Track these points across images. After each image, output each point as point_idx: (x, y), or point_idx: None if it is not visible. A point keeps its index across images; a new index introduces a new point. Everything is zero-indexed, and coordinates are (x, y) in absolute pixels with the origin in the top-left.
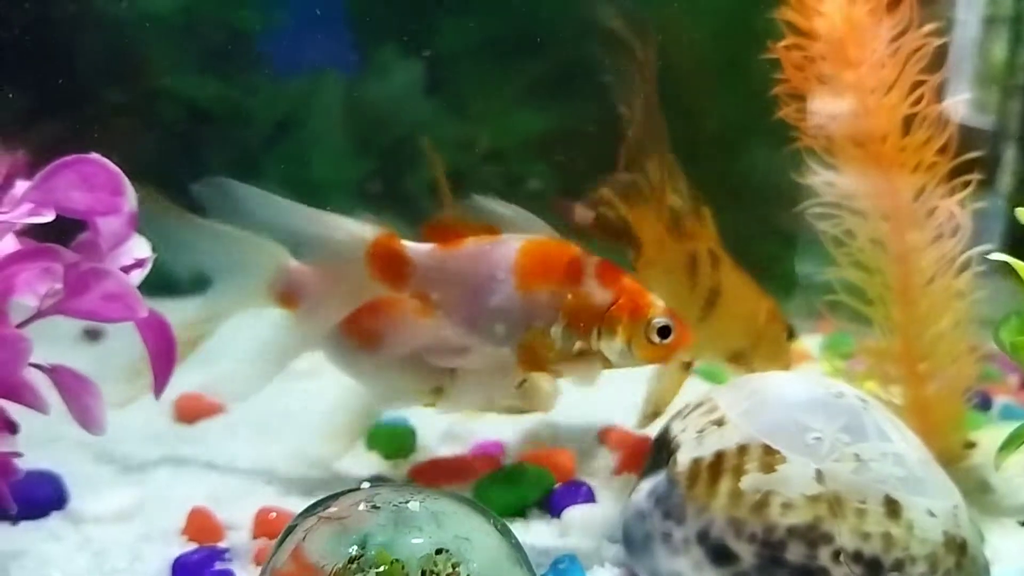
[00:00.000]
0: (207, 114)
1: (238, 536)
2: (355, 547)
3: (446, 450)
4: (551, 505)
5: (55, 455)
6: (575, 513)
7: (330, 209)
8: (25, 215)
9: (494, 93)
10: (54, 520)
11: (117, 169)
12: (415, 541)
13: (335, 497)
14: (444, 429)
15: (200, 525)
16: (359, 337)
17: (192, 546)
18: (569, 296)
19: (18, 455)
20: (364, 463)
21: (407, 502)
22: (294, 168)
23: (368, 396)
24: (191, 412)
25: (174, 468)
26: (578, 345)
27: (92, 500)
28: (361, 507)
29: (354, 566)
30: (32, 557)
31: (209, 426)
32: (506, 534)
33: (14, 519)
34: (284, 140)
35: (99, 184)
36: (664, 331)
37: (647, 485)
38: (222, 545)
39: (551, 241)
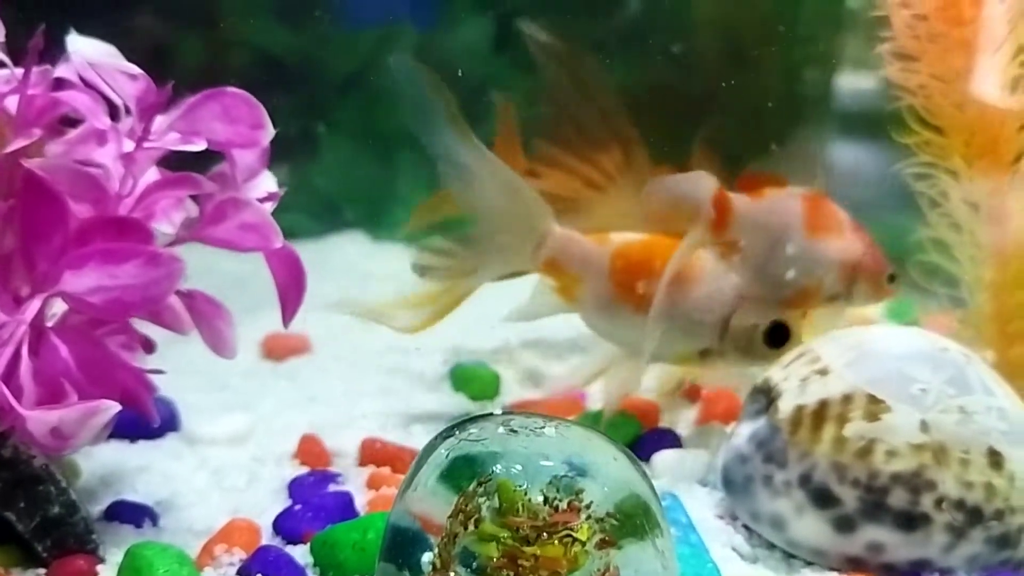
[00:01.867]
0: (278, 63)
1: (344, 463)
2: (482, 470)
3: (528, 394)
4: (639, 450)
5: (161, 383)
6: (664, 457)
7: None
8: (175, 143)
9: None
10: (170, 441)
11: (258, 103)
12: (545, 464)
13: (472, 421)
14: (524, 373)
15: (310, 450)
16: (632, 299)
17: (304, 469)
18: (842, 246)
19: (160, 372)
20: (452, 403)
21: (542, 427)
22: (363, 120)
23: (632, 359)
24: (279, 350)
25: (275, 400)
26: (836, 289)
27: (204, 424)
28: (499, 430)
29: (481, 489)
30: (155, 473)
31: (298, 363)
32: (635, 464)
33: (132, 438)
34: (354, 92)
35: (240, 117)
36: (893, 277)
37: (747, 430)
38: (333, 470)
39: (821, 195)
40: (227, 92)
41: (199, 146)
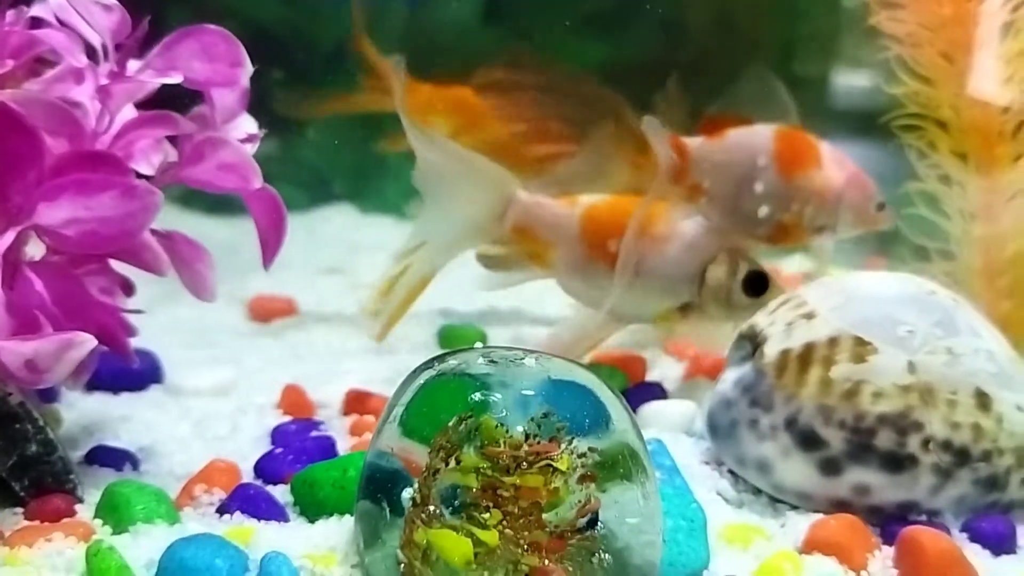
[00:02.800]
0: (267, 34)
1: (328, 412)
2: (463, 408)
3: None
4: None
5: (145, 338)
6: (650, 407)
7: None
8: (153, 77)
9: (553, 22)
10: (153, 392)
11: (237, 41)
12: (526, 393)
13: (452, 353)
14: (512, 335)
15: (293, 400)
16: (605, 259)
17: (287, 419)
18: (819, 177)
19: (140, 312)
20: None
21: (522, 359)
22: (349, 91)
23: (601, 316)
24: (265, 312)
25: (260, 357)
26: (820, 221)
27: (187, 377)
28: (479, 360)
29: (462, 427)
30: (138, 422)
31: (285, 324)
32: (618, 397)
33: (115, 389)
34: (343, 64)
35: (219, 55)
36: (882, 205)
37: (732, 375)
38: (316, 419)
39: (795, 129)
40: (205, 29)
41: (176, 79)
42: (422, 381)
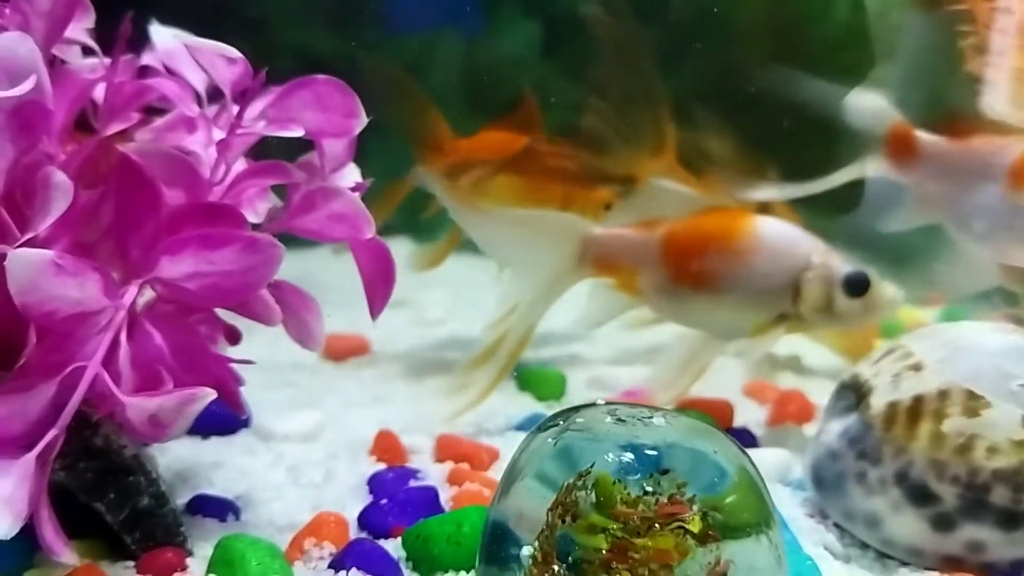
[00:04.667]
0: (325, 68)
1: (420, 459)
2: (587, 461)
3: (595, 395)
4: None
5: None
6: None
7: None
8: (269, 129)
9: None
10: (243, 437)
11: (352, 92)
12: (651, 454)
13: (576, 410)
14: (591, 375)
15: (386, 446)
16: (690, 280)
17: (381, 465)
18: None
19: (249, 362)
20: (520, 403)
21: (650, 417)
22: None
23: (703, 336)
24: (339, 350)
25: (340, 398)
26: None
27: (275, 421)
28: (607, 420)
29: (581, 482)
30: (231, 468)
31: (359, 363)
32: (745, 455)
33: (205, 434)
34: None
35: (333, 105)
36: None
37: (836, 427)
38: (410, 466)
39: None
40: (320, 80)
41: (296, 132)
42: (550, 440)
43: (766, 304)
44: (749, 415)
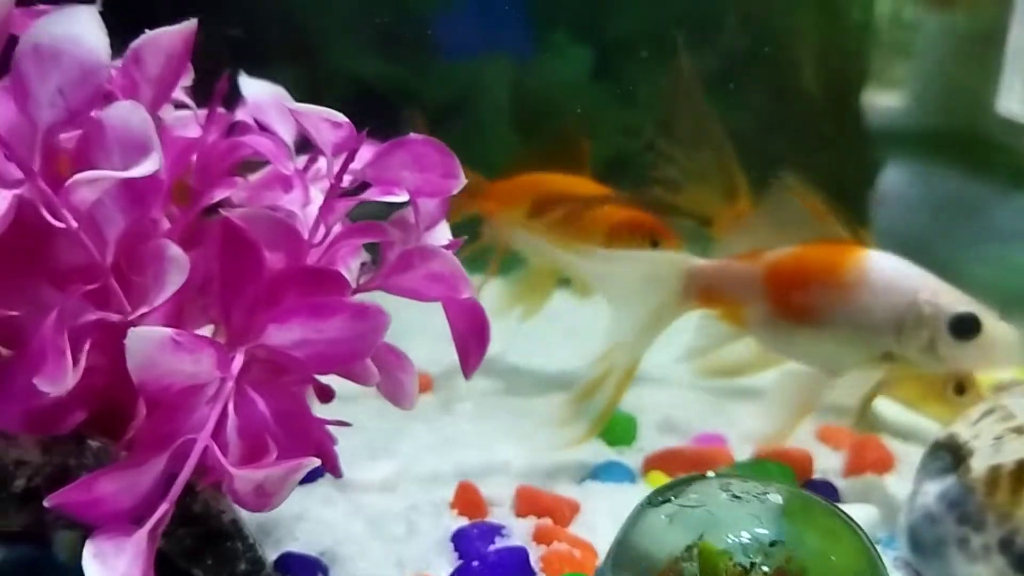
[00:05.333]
0: (374, 93)
1: (501, 512)
2: (699, 536)
3: (667, 440)
4: None
5: None
6: None
7: None
8: (377, 194)
9: (661, 80)
10: (322, 487)
11: (451, 152)
12: (762, 532)
13: (688, 483)
14: (661, 418)
15: (467, 500)
16: (794, 313)
17: (462, 520)
18: None
19: (346, 424)
20: (590, 449)
21: (766, 493)
22: (458, 151)
23: (809, 372)
24: None
25: (410, 441)
26: None
27: (352, 469)
28: (722, 496)
29: (687, 554)
30: (312, 521)
31: (425, 402)
32: (864, 536)
33: None
34: (450, 122)
35: (430, 165)
36: None
37: (933, 488)
38: (492, 520)
39: None
40: (418, 140)
41: (401, 198)
42: (663, 517)
43: (870, 341)
44: (825, 463)
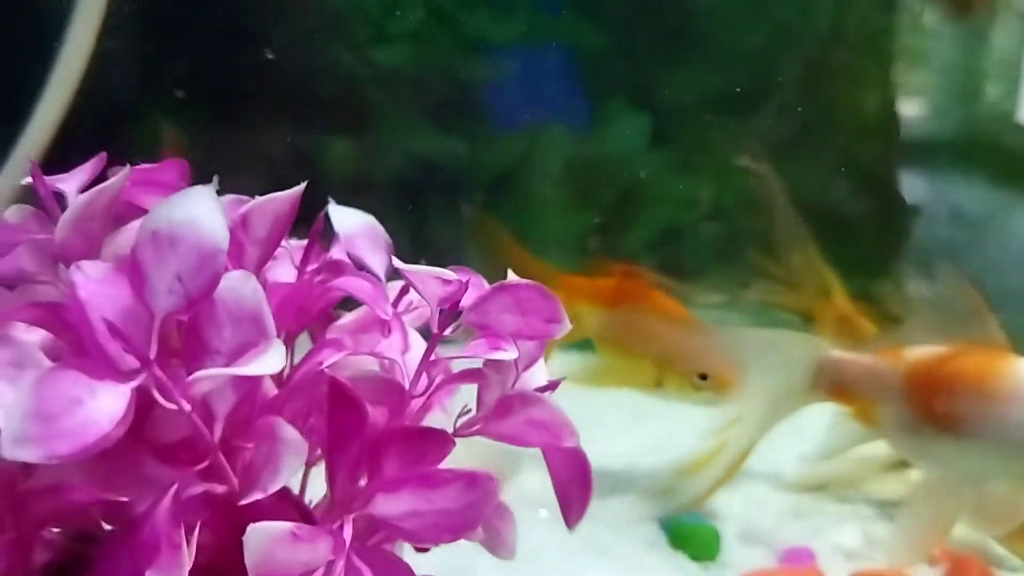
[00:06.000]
0: (427, 164)
1: None
2: None
3: (752, 554)
4: None
5: None
6: None
7: None
8: (486, 350)
9: (720, 149)
10: None
11: (554, 297)
12: None
13: None
14: (745, 528)
15: None
16: (935, 419)
17: None
18: None
19: None
20: (673, 565)
21: None
22: (513, 221)
23: (953, 484)
24: None
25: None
26: None
27: None
28: None
29: None
30: None
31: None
32: None
33: None
34: (505, 192)
35: (533, 310)
36: None
37: None
38: None
39: None
40: (521, 284)
41: (509, 354)
42: None
43: (1020, 457)
44: None
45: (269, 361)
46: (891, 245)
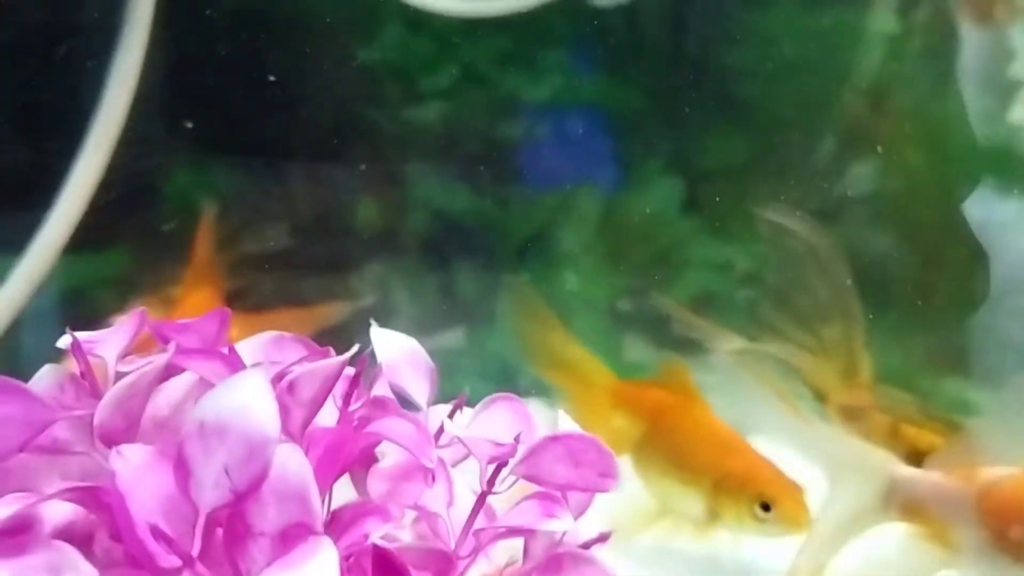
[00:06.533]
0: (458, 225)
1: None
2: None
3: None
4: None
5: None
6: None
7: None
8: (539, 517)
9: (758, 215)
10: None
11: (609, 451)
12: None
13: None
14: None
15: None
16: (1012, 548)
17: None
18: None
19: None
20: None
21: None
22: (544, 283)
23: None
24: None
25: None
26: None
27: None
28: None
29: None
30: None
31: None
32: None
33: None
34: (536, 254)
35: (587, 462)
36: None
37: None
38: None
39: None
40: (574, 435)
41: (563, 523)
42: None
43: None
44: None
45: (320, 567)
46: (952, 328)
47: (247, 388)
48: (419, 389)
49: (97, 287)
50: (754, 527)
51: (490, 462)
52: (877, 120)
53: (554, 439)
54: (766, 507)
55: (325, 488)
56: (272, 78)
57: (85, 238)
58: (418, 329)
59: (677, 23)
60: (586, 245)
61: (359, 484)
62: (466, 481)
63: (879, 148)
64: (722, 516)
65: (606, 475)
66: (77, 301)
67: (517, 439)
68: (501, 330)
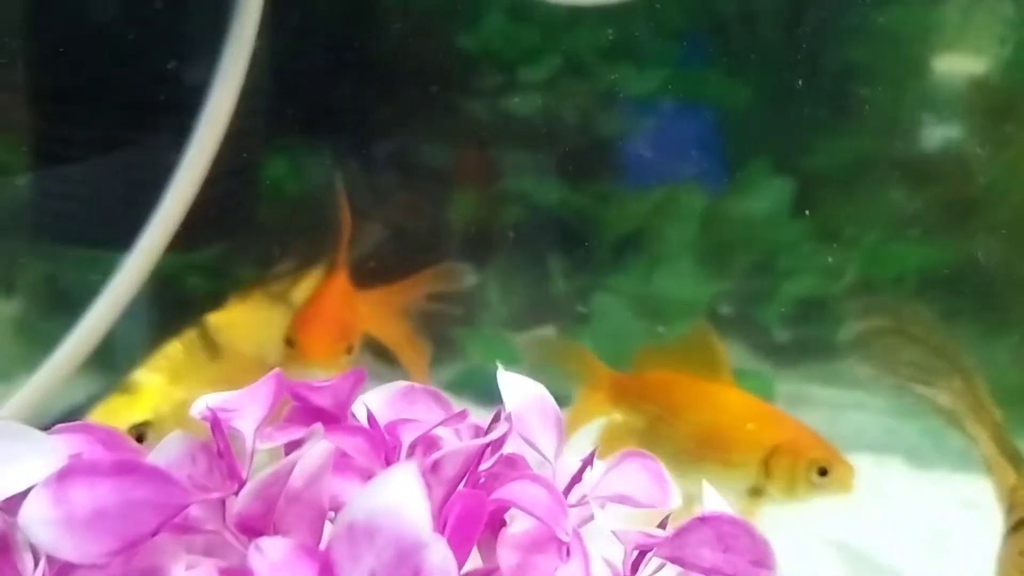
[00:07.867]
0: (553, 218)
1: None
2: None
3: None
4: None
5: None
6: None
7: None
8: None
9: (868, 219)
10: None
11: (764, 539)
12: None
13: None
14: None
15: None
16: None
17: None
18: None
19: None
20: None
21: None
22: (639, 283)
23: None
24: None
25: None
26: None
27: None
28: None
29: None
30: None
31: None
32: None
33: None
34: (633, 252)
35: (738, 547)
36: None
37: None
38: None
39: None
40: (725, 517)
41: None
42: None
43: None
44: None
45: None
46: None
47: (399, 484)
48: (547, 441)
49: (192, 276)
50: (806, 493)
51: (635, 548)
52: (1000, 122)
53: (703, 520)
54: (823, 472)
55: (462, 564)
56: (373, 67)
57: (187, 234)
58: (508, 325)
59: (793, 18)
60: (687, 246)
61: (485, 551)
62: (597, 548)
63: (1002, 151)
64: (768, 490)
65: (760, 564)
66: (173, 290)
67: (664, 525)
68: (593, 330)
